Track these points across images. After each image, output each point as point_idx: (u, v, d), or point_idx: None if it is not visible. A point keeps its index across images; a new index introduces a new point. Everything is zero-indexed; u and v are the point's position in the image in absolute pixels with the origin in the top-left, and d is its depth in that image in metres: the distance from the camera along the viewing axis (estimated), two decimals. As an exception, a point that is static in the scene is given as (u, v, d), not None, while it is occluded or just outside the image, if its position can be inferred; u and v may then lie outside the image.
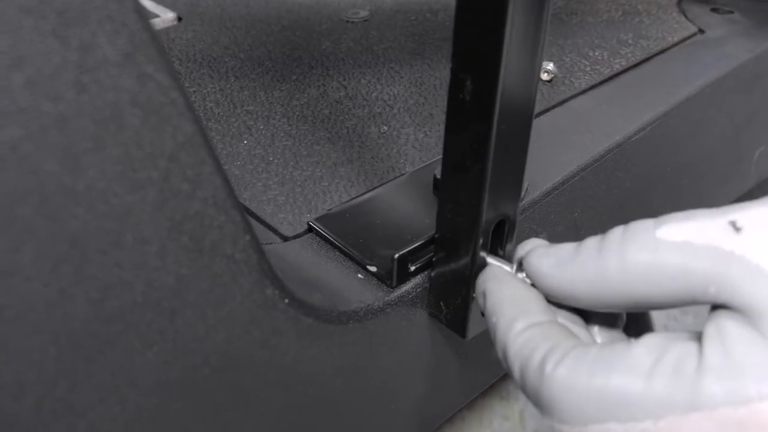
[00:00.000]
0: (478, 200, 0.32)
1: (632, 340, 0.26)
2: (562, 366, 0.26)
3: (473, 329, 0.37)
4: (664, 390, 0.24)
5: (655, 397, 0.24)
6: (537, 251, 0.30)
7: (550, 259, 0.29)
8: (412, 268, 0.38)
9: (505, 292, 0.31)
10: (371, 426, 0.42)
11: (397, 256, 0.36)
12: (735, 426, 0.23)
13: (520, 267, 0.31)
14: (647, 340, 0.25)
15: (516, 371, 0.28)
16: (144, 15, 0.23)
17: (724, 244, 0.24)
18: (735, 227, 0.24)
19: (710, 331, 0.24)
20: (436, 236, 0.36)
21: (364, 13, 0.70)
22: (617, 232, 0.27)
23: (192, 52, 0.63)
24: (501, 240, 0.35)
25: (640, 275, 0.26)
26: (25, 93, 0.21)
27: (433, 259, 0.37)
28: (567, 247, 0.29)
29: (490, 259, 0.34)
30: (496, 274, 0.32)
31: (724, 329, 0.24)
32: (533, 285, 0.30)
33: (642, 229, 0.26)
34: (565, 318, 0.30)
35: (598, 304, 0.28)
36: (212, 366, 0.30)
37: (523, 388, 0.28)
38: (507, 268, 0.32)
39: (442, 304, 0.37)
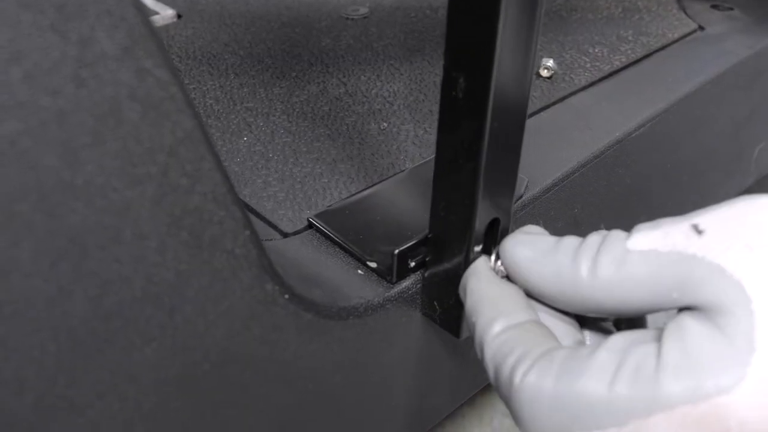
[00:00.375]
0: (471, 199, 0.32)
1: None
2: (528, 376, 0.26)
3: (467, 329, 0.36)
4: (626, 395, 0.24)
5: (618, 403, 0.24)
6: (516, 237, 0.30)
7: (526, 249, 0.29)
8: (412, 264, 0.37)
9: (485, 290, 0.31)
10: (371, 421, 0.42)
11: (396, 251, 0.36)
12: (695, 423, 0.23)
13: (499, 256, 0.31)
14: (611, 343, 0.25)
15: (491, 375, 0.28)
16: (142, 9, 0.23)
17: (686, 248, 0.24)
18: (697, 230, 0.25)
19: (670, 329, 0.24)
20: (429, 236, 0.36)
21: (363, 10, 0.70)
22: (595, 241, 0.27)
23: (191, 49, 0.63)
24: (494, 239, 0.35)
25: (609, 286, 0.26)
26: (23, 87, 0.21)
27: (426, 259, 0.37)
28: (546, 241, 0.29)
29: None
30: (478, 270, 0.32)
31: (683, 326, 0.24)
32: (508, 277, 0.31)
33: (615, 239, 0.26)
34: (548, 313, 0.30)
35: (568, 308, 0.28)
36: (212, 362, 0.30)
37: (498, 393, 0.28)
38: (486, 259, 0.33)
39: (435, 303, 0.37)
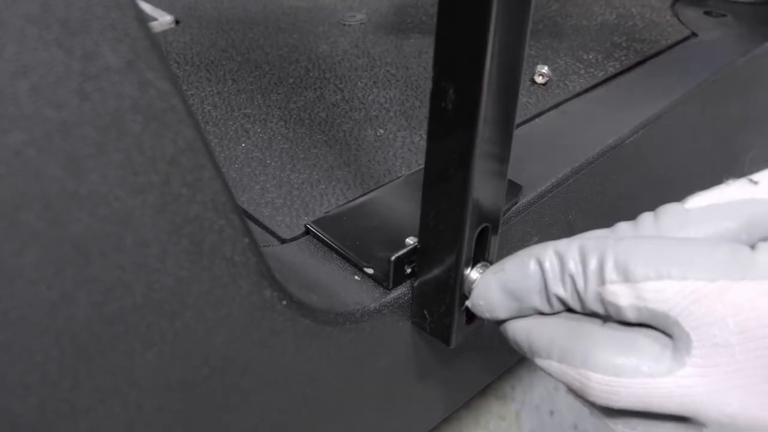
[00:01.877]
0: (461, 208, 0.32)
1: None
2: (621, 228, 0.29)
3: (458, 336, 0.37)
4: (723, 259, 0.25)
5: (713, 262, 0.25)
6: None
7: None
8: (408, 270, 0.38)
9: None
10: (368, 426, 0.42)
11: (393, 258, 0.37)
12: None
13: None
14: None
15: (574, 260, 0.28)
16: (145, 23, 0.24)
17: (744, 196, 0.27)
18: (752, 182, 0.27)
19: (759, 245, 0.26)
20: (419, 246, 0.36)
21: (360, 17, 0.70)
22: (648, 215, 0.29)
23: (189, 55, 0.63)
24: (484, 246, 0.35)
25: None
26: (29, 100, 0.22)
27: (416, 269, 0.37)
28: (601, 231, 0.30)
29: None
30: None
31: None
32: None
33: (671, 206, 0.28)
34: None
35: None
36: (211, 366, 0.30)
37: (584, 271, 0.28)
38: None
39: (425, 312, 0.37)
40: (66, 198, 0.23)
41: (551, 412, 0.80)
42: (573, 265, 0.28)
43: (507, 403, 0.79)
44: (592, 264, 0.28)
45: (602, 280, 0.27)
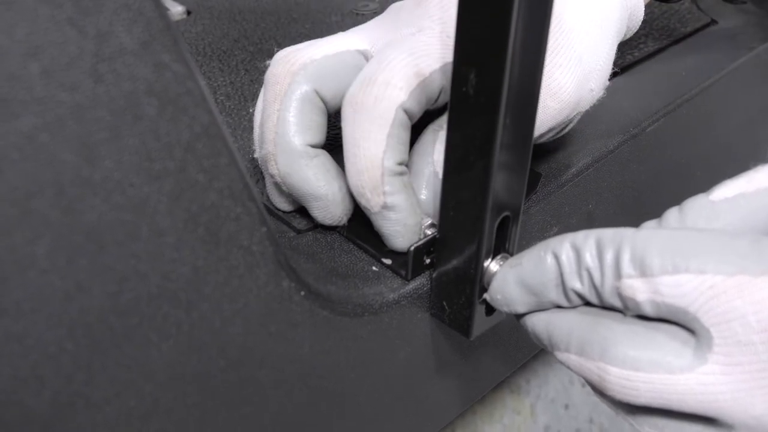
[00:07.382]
0: (483, 197, 0.32)
1: None
2: (647, 226, 0.27)
3: (478, 328, 0.36)
4: (741, 250, 0.24)
5: (732, 255, 0.24)
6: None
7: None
8: (428, 261, 0.37)
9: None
10: (386, 419, 0.42)
11: (412, 248, 0.36)
12: None
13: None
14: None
15: (590, 254, 0.28)
16: (160, 3, 0.23)
17: None
18: None
19: None
20: (438, 235, 0.35)
21: (373, 6, 0.70)
22: (673, 210, 0.28)
23: (202, 46, 0.63)
24: (505, 236, 0.34)
25: None
26: (41, 82, 0.21)
27: (435, 259, 0.36)
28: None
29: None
30: None
31: None
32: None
33: (696, 199, 0.27)
34: None
35: None
36: (228, 359, 0.30)
37: (601, 265, 0.27)
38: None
39: (444, 303, 0.37)
40: (79, 185, 0.23)
41: (566, 406, 0.79)
42: (590, 259, 0.27)
43: (522, 397, 0.78)
44: (609, 257, 0.27)
45: (619, 275, 0.26)
